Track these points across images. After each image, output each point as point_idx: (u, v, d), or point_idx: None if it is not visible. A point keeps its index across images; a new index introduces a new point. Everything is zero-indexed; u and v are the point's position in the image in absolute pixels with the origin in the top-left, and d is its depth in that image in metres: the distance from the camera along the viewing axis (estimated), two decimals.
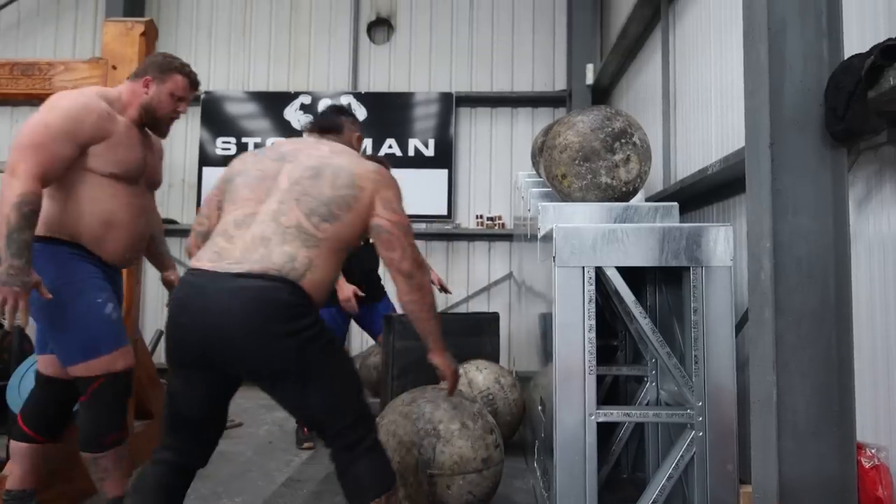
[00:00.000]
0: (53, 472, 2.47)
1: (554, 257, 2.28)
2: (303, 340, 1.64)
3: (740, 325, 2.38)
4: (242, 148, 6.16)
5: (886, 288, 1.84)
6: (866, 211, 1.91)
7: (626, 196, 2.80)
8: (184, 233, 5.55)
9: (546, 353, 2.61)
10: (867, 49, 1.61)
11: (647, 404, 2.72)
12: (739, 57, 2.23)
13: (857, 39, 1.88)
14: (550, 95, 6.20)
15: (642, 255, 2.27)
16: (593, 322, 2.26)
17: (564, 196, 2.88)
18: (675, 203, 2.78)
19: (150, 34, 2.94)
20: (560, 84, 6.23)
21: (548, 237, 2.48)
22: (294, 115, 6.24)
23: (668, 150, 3.88)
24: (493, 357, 3.86)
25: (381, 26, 6.49)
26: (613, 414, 2.31)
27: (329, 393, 1.70)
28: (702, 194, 3.25)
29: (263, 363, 1.64)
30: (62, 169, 2.06)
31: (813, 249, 1.74)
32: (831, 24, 1.78)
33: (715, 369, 2.23)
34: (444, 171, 6.13)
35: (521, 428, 3.62)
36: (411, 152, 6.15)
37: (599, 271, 2.30)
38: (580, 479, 2.21)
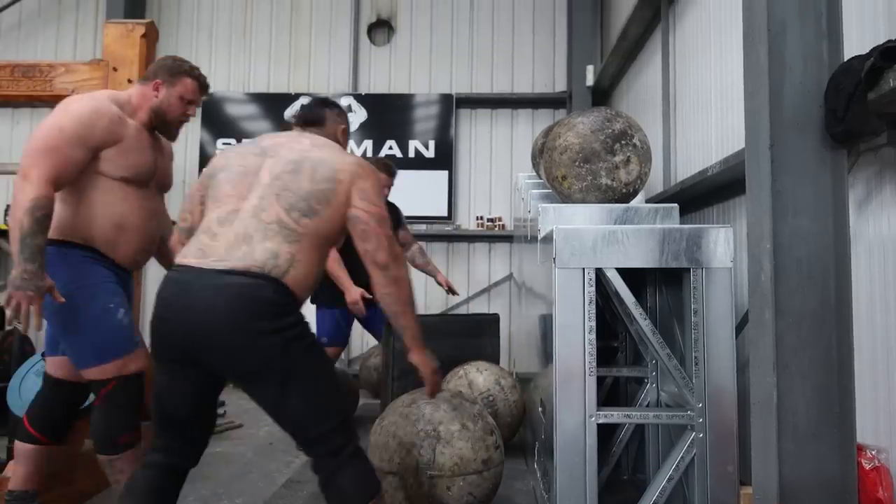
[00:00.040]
0: (54, 475, 2.47)
1: (554, 258, 2.28)
2: (287, 339, 1.63)
3: (740, 327, 2.38)
4: None
5: (886, 289, 1.84)
6: (866, 212, 1.92)
7: (626, 197, 2.80)
8: None
9: (546, 355, 2.61)
10: (867, 51, 1.61)
11: (647, 406, 2.72)
12: (739, 58, 2.23)
13: (857, 41, 1.89)
14: (550, 97, 6.21)
15: (642, 257, 2.28)
16: (594, 323, 2.26)
17: (565, 197, 2.88)
18: (676, 204, 2.78)
19: (151, 36, 2.95)
20: (560, 85, 6.24)
21: (548, 238, 2.49)
22: None
23: (669, 152, 3.88)
24: (494, 358, 3.87)
25: (382, 28, 6.50)
26: (614, 415, 2.31)
27: (313, 393, 1.68)
28: (702, 196, 3.26)
29: (247, 360, 1.62)
30: (75, 173, 2.07)
31: (813, 251, 1.74)
32: (831, 26, 1.78)
33: (715, 371, 2.23)
34: (445, 173, 6.13)
35: (521, 429, 3.62)
36: (412, 154, 6.16)
37: (600, 272, 2.30)
38: (580, 481, 2.21)
